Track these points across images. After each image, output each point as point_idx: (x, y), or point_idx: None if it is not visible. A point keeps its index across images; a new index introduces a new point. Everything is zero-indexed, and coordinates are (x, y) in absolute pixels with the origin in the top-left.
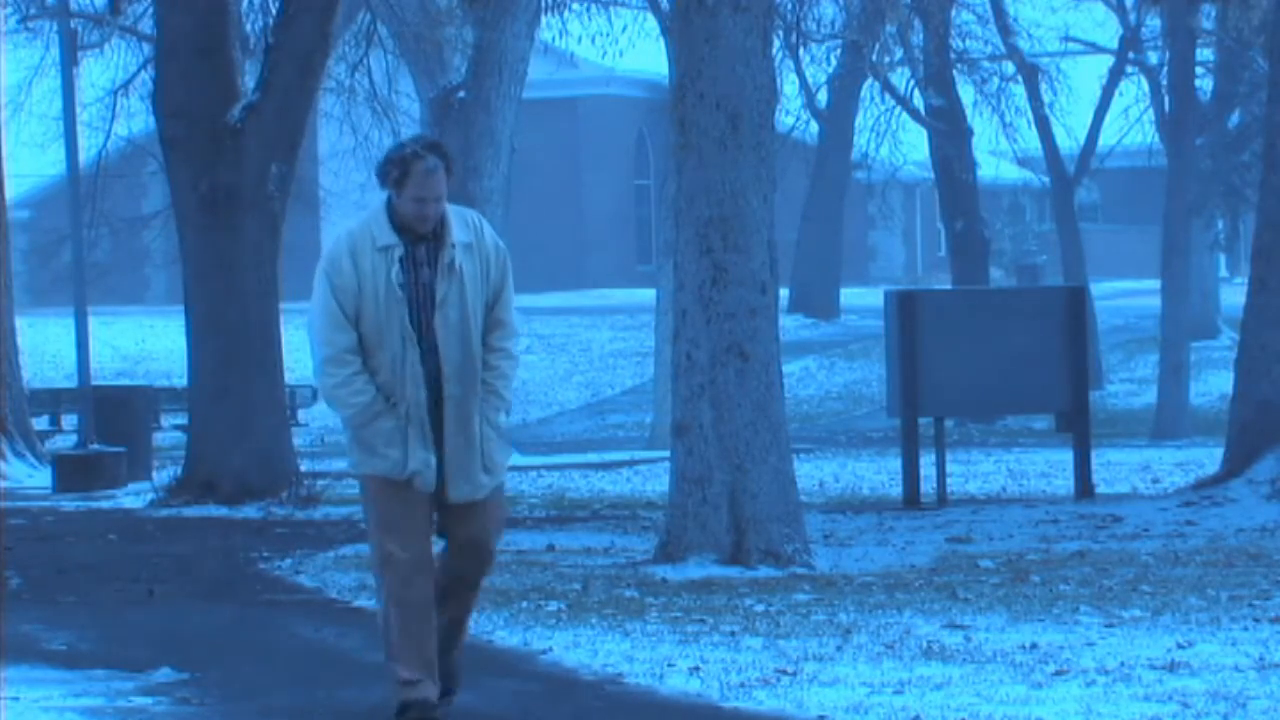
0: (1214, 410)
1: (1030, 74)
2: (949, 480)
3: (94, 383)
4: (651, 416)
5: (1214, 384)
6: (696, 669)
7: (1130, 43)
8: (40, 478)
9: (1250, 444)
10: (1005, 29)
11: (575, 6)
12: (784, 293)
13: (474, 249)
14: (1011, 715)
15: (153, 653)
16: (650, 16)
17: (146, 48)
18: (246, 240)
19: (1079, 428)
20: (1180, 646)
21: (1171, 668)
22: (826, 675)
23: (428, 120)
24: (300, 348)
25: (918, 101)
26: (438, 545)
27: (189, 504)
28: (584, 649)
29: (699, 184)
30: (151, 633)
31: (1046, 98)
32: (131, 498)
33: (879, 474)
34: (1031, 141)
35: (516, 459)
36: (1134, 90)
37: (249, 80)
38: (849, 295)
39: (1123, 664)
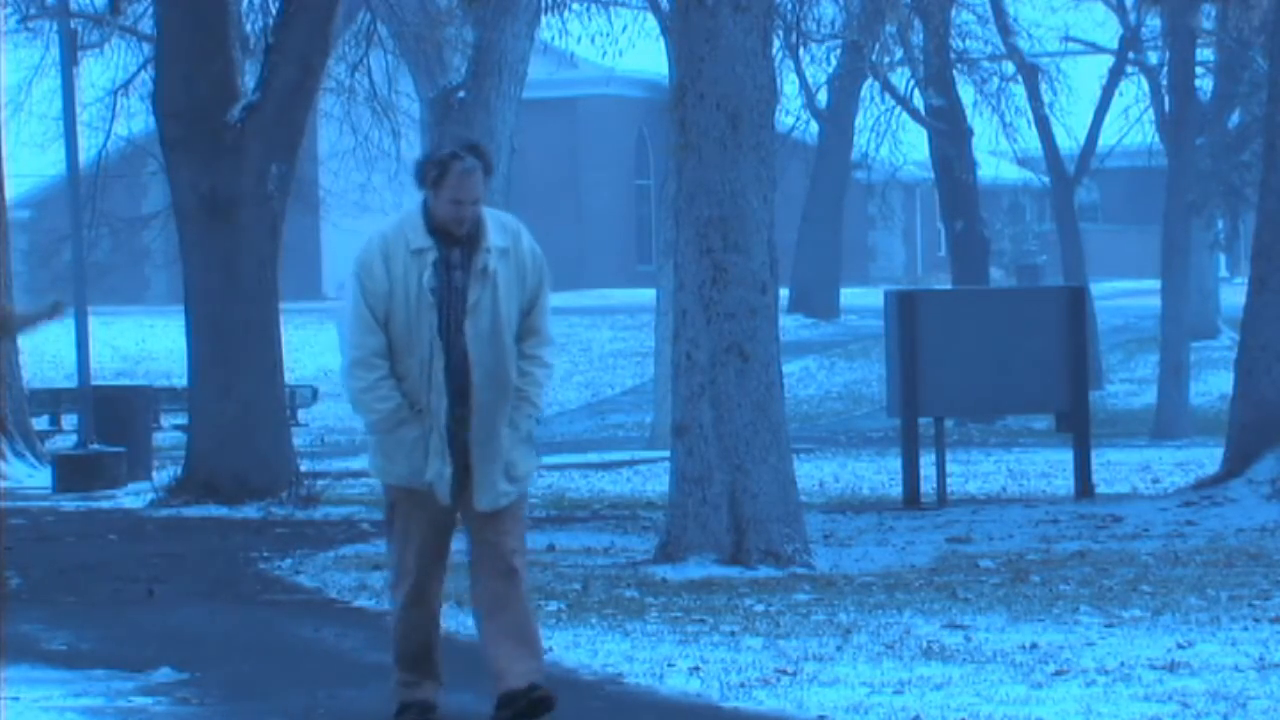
0: (1214, 410)
1: (1030, 74)
2: (949, 480)
3: (94, 383)
4: (651, 416)
5: (1214, 384)
6: (696, 669)
7: (1130, 43)
8: (40, 478)
9: (1250, 444)
10: (1005, 29)
11: (575, 6)
12: (784, 293)
13: (510, 254)
14: (1011, 715)
15: (153, 653)
16: (650, 16)
17: (146, 48)
18: (246, 240)
19: (1079, 428)
20: (1180, 646)
21: (1171, 668)
22: (826, 675)
23: (428, 120)
24: (300, 347)
25: (918, 101)
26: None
27: (189, 504)
28: (584, 649)
29: (699, 184)
30: (151, 633)
31: (1046, 98)
32: (131, 498)
33: (879, 474)
34: (1031, 141)
35: None
36: (1134, 90)
37: (249, 80)
38: (849, 295)
39: (1123, 664)
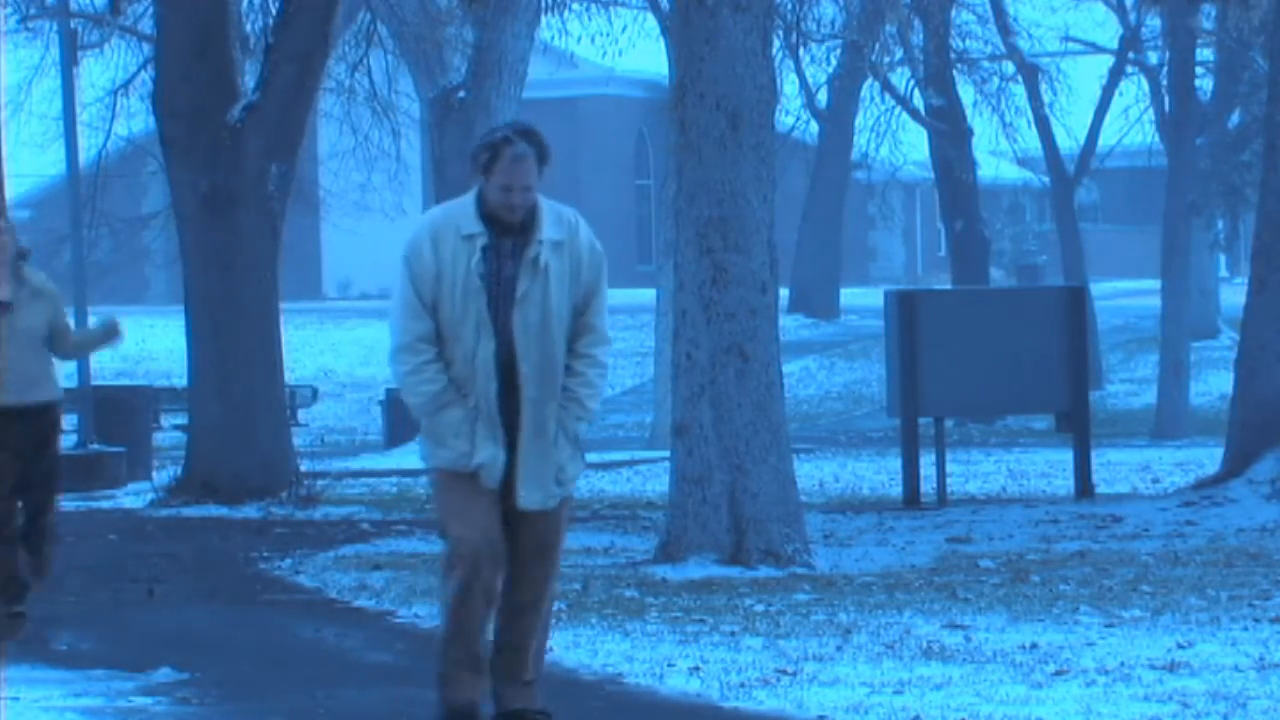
0: (1214, 410)
1: (1030, 74)
2: (949, 480)
3: (94, 383)
4: (651, 416)
5: (1214, 384)
6: (696, 669)
7: (1130, 43)
8: None
9: (1250, 444)
10: (1005, 29)
11: (575, 6)
12: (784, 293)
13: (565, 247)
14: (1011, 715)
15: (153, 653)
16: (650, 16)
17: (146, 48)
18: (246, 240)
19: (1079, 428)
20: (1180, 646)
21: (1171, 668)
22: (826, 675)
23: (428, 120)
24: (300, 347)
25: (918, 101)
26: None
27: (189, 504)
28: (584, 649)
29: (699, 184)
30: (151, 633)
31: (1046, 98)
32: (131, 498)
33: (879, 474)
34: (1031, 141)
35: None
36: (1134, 90)
37: (249, 80)
38: (849, 295)
39: (1123, 664)
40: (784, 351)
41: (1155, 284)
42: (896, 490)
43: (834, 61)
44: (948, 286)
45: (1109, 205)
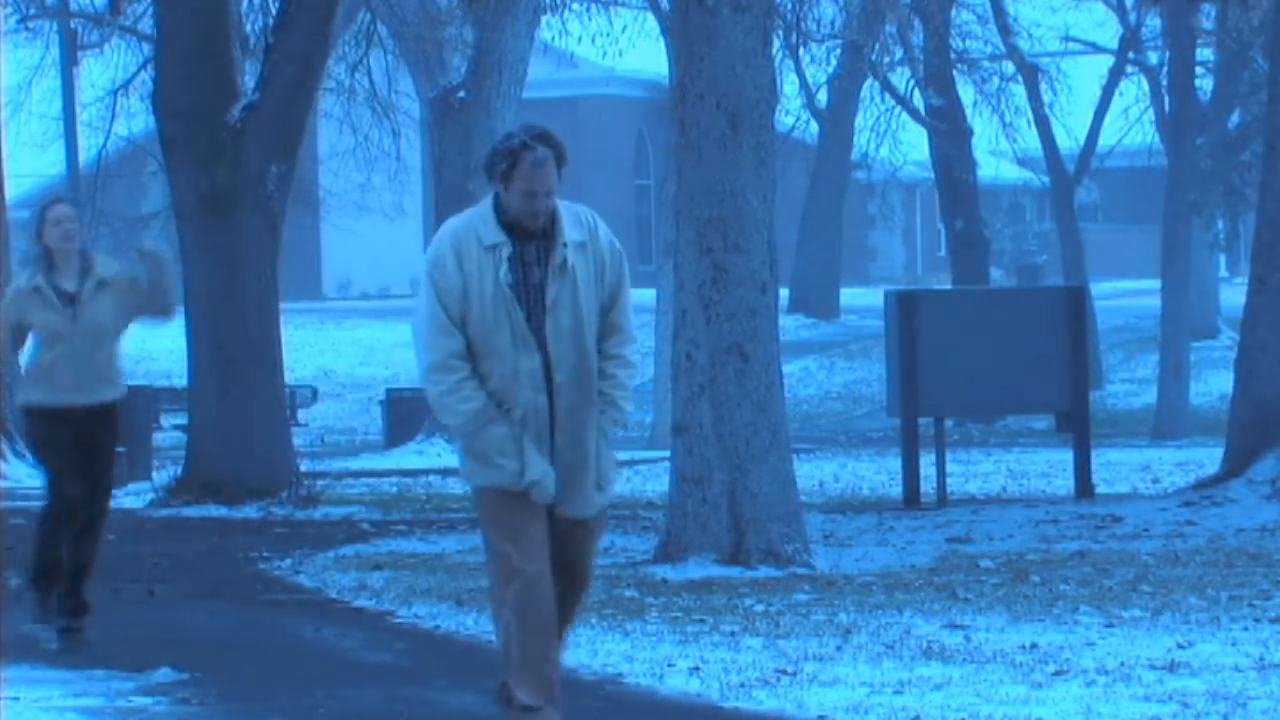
0: (1214, 410)
1: (1030, 74)
2: (949, 480)
3: None
4: (652, 416)
5: (1214, 384)
6: (696, 669)
7: (1130, 43)
8: (40, 478)
9: (1250, 444)
10: (1005, 29)
11: (575, 6)
12: (784, 293)
13: (587, 248)
14: (1011, 715)
15: (153, 653)
16: (650, 16)
17: (146, 48)
18: (246, 240)
19: (1079, 428)
20: (1180, 646)
21: (1171, 668)
22: (826, 675)
23: (428, 120)
24: (300, 347)
25: (918, 101)
26: None
27: (189, 504)
28: (584, 649)
29: (699, 184)
30: (151, 633)
31: (1046, 98)
32: (131, 498)
33: (879, 474)
34: (1031, 141)
35: None
36: (1134, 90)
37: (249, 80)
38: (849, 295)
39: (1123, 664)
40: (784, 351)
41: (1155, 284)
42: (896, 490)
43: (834, 61)
44: (948, 286)
45: (1109, 205)
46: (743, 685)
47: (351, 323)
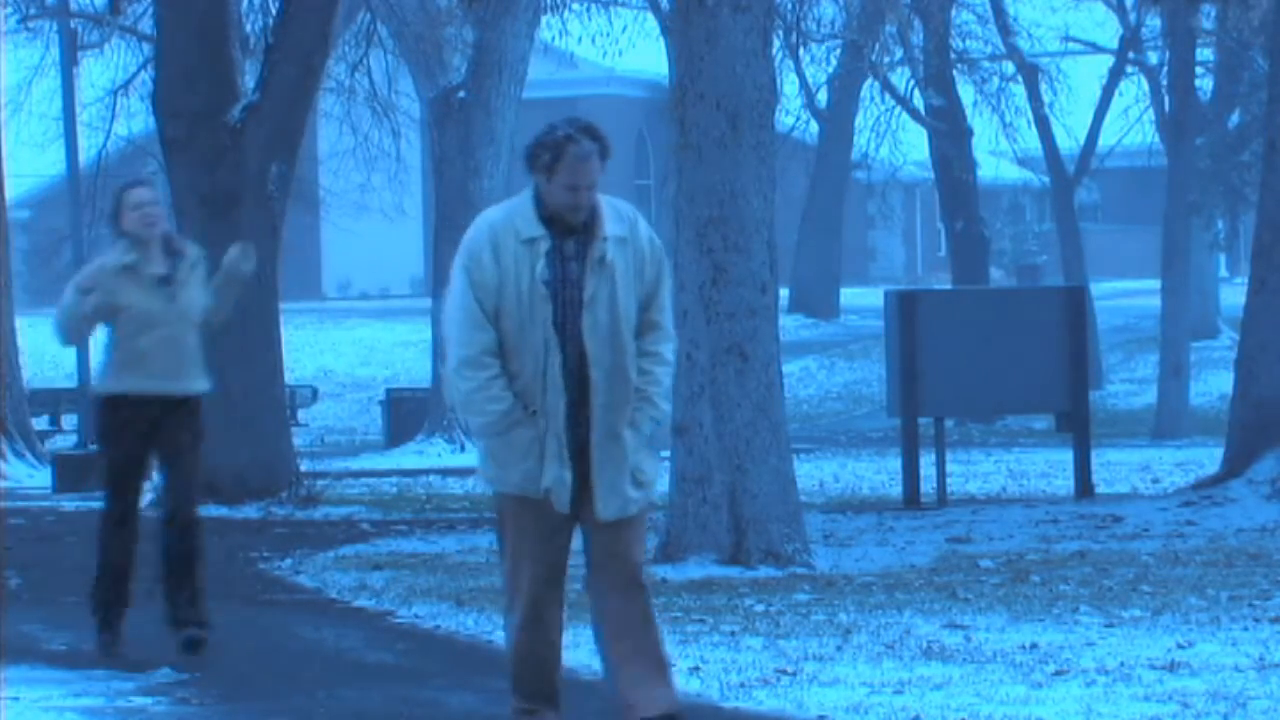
0: (1214, 410)
1: (1030, 74)
2: (949, 480)
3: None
4: None
5: (1214, 384)
6: (696, 669)
7: (1130, 43)
8: (40, 478)
9: (1250, 444)
10: (1005, 29)
11: (575, 6)
12: (784, 293)
13: (627, 243)
14: (1011, 715)
15: (153, 653)
16: (650, 16)
17: (146, 48)
18: (246, 240)
19: (1079, 428)
20: (1180, 646)
21: (1171, 668)
22: (826, 675)
23: (428, 120)
24: (299, 348)
25: (918, 101)
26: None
27: None
28: (584, 649)
29: (699, 184)
30: (151, 633)
31: (1046, 98)
32: None
33: (879, 474)
34: (1031, 141)
35: None
36: (1134, 90)
37: (249, 80)
38: (849, 295)
39: (1123, 664)
40: (784, 351)
41: (1155, 284)
42: (896, 490)
43: (834, 61)
44: (948, 286)
45: (1109, 205)
46: (743, 685)
47: (351, 323)
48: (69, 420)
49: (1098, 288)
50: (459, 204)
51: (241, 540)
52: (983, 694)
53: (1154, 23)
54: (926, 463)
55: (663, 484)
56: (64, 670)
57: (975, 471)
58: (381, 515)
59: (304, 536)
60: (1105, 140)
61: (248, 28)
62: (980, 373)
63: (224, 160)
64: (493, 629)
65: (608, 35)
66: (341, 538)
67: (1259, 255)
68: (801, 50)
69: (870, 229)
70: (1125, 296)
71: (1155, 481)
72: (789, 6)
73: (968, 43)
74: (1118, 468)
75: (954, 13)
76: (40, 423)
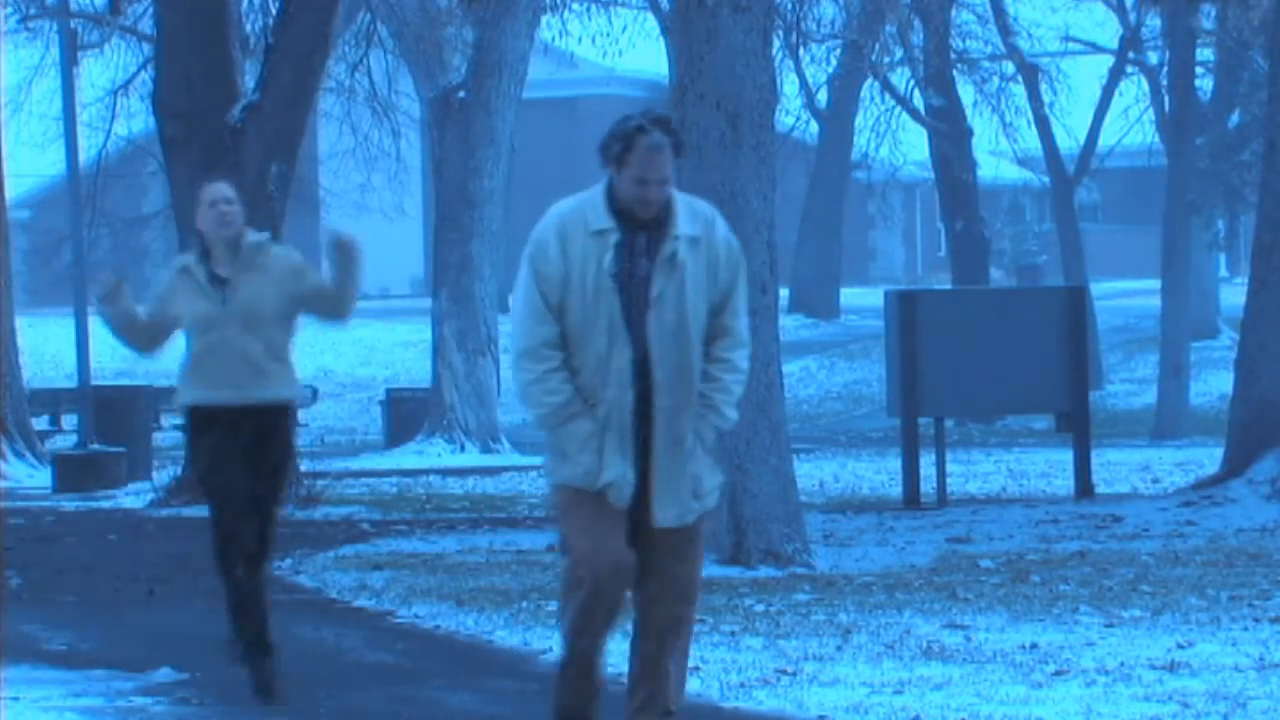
0: (1214, 410)
1: (1030, 74)
2: (949, 480)
3: (94, 383)
4: None
5: (1214, 384)
6: (696, 669)
7: (1130, 43)
8: (40, 478)
9: (1250, 444)
10: (1005, 29)
11: (575, 6)
12: (784, 293)
13: (701, 244)
14: (1011, 715)
15: (153, 653)
16: (650, 16)
17: (146, 48)
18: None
19: (1079, 428)
20: (1180, 646)
21: (1171, 668)
22: (826, 675)
23: (428, 120)
24: (300, 347)
25: (918, 101)
26: None
27: (189, 504)
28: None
29: (699, 184)
30: (151, 633)
31: (1046, 98)
32: (131, 498)
33: (879, 474)
34: (1031, 141)
35: (516, 459)
36: (1134, 90)
37: (249, 80)
38: (849, 295)
39: (1123, 664)
40: (784, 351)
41: (1155, 284)
42: (896, 490)
43: (834, 61)
44: (948, 286)
45: (1109, 205)
46: (743, 685)
47: (351, 322)
48: (69, 420)
49: (1098, 288)
50: (459, 204)
51: None
52: (983, 694)
53: (1154, 23)
54: (926, 463)
55: None
56: (64, 670)
57: (975, 471)
58: (381, 515)
59: (304, 536)
60: (1105, 140)
61: (248, 28)
62: (980, 373)
63: (224, 160)
64: (493, 629)
65: (608, 35)
66: (341, 538)
67: (1259, 255)
68: (801, 50)
69: (870, 229)
70: (1125, 296)
71: (1155, 481)
72: (789, 6)
73: (968, 43)
74: (1118, 468)
75: (954, 13)
76: (40, 423)
